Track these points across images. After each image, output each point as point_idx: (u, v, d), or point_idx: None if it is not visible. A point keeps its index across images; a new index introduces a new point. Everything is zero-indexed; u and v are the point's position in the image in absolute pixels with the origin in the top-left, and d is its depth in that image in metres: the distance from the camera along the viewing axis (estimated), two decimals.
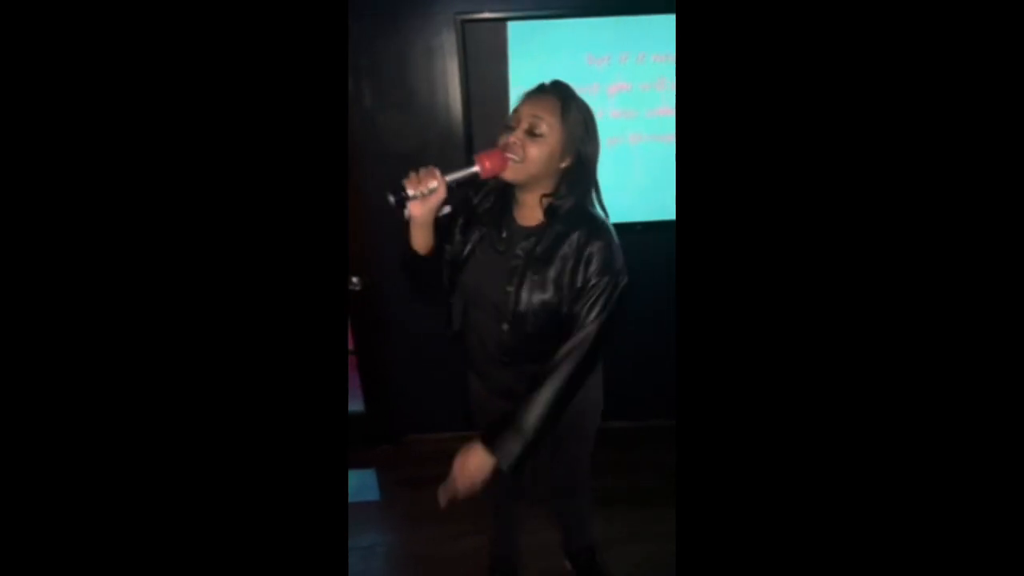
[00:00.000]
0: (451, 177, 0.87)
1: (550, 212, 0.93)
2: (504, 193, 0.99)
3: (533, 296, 0.93)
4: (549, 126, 0.87)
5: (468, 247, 1.00)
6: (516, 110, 0.90)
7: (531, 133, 0.87)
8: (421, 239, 0.92)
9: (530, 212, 0.96)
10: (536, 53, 1.46)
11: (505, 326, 0.96)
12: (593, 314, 0.91)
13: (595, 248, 0.90)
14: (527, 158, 0.88)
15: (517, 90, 1.47)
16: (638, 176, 1.62)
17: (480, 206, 1.02)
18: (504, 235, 0.98)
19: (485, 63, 1.49)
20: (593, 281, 0.90)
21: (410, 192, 0.85)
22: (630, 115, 1.54)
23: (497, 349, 1.01)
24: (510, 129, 0.89)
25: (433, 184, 0.85)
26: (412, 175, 0.86)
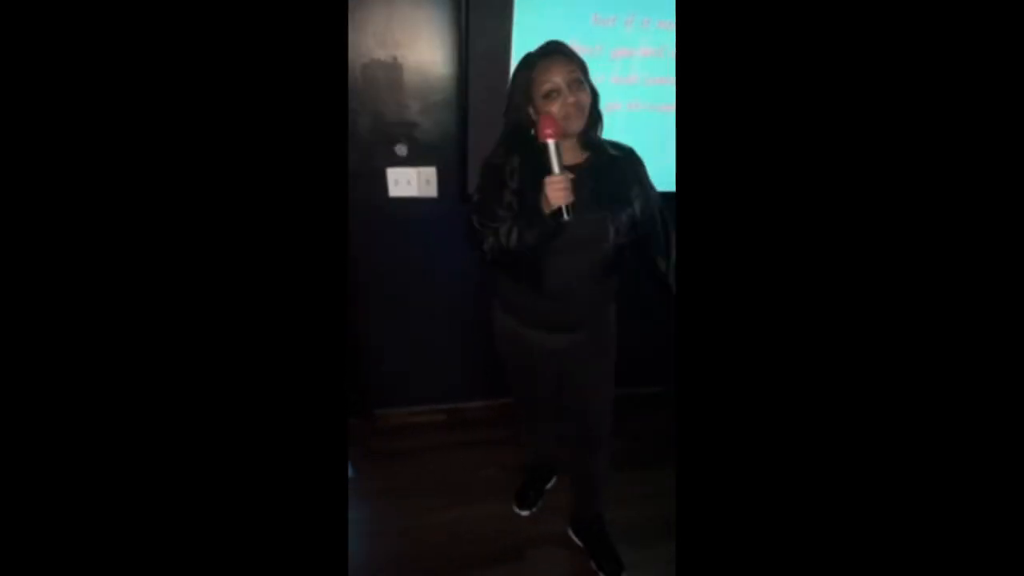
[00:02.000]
0: (558, 167, 0.94)
1: (592, 145, 1.08)
2: (533, 145, 1.01)
3: (621, 215, 1.07)
4: (581, 74, 1.00)
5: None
6: (545, 80, 0.97)
7: (575, 86, 0.98)
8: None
9: (571, 152, 1.06)
10: (542, 8, 1.38)
11: (605, 247, 1.07)
12: (662, 217, 1.12)
13: (639, 165, 1.12)
14: (583, 105, 0.99)
15: (520, 48, 1.41)
16: (635, 145, 1.59)
17: (510, 163, 1.06)
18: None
19: (487, 18, 1.39)
20: (652, 194, 1.12)
21: (565, 204, 0.93)
22: (631, 81, 1.51)
23: (592, 272, 1.11)
24: (551, 99, 0.97)
25: (571, 193, 0.93)
26: (552, 192, 0.93)
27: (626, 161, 1.11)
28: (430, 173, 1.61)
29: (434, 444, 1.90)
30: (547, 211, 0.95)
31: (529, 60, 1.01)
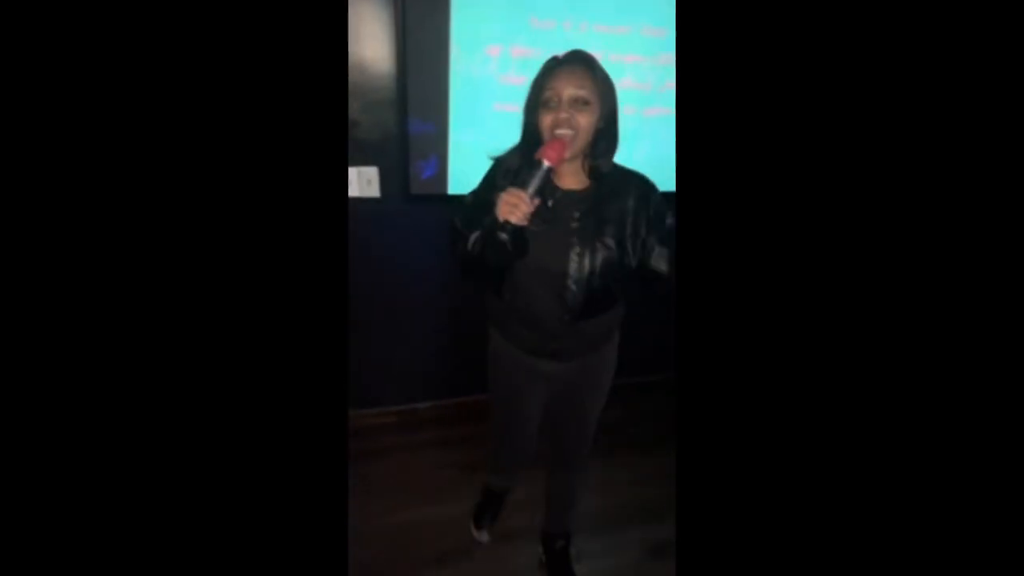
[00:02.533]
0: (533, 188, 0.86)
1: (596, 173, 0.98)
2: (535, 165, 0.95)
3: (598, 256, 0.97)
4: (591, 92, 0.90)
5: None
6: (548, 88, 0.91)
7: (578, 104, 0.90)
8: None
9: (572, 177, 0.99)
10: (479, 6, 1.38)
11: (573, 287, 0.98)
12: (665, 263, 1.01)
13: (658, 198, 1.00)
14: (580, 129, 0.90)
15: (458, 47, 1.40)
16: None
17: (511, 170, 0.99)
18: (550, 204, 0.98)
19: (425, 15, 1.38)
20: (667, 230, 1.00)
21: (514, 222, 0.85)
22: None
23: (560, 309, 1.02)
24: (548, 109, 0.91)
25: (527, 209, 0.85)
26: (508, 209, 0.85)
27: (638, 199, 0.98)
28: (371, 173, 1.58)
29: (385, 446, 1.88)
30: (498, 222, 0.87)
31: (548, 64, 0.94)
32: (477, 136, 1.55)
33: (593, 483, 1.61)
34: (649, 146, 1.64)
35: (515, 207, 0.84)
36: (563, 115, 0.89)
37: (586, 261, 0.97)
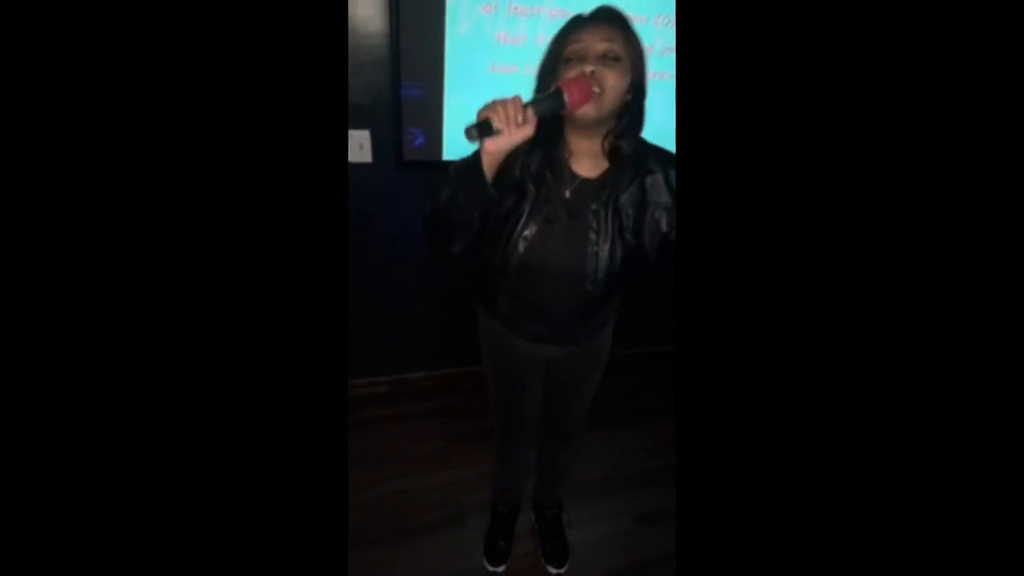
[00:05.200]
0: (535, 107, 0.75)
1: (618, 156, 0.86)
2: (550, 148, 0.87)
3: (618, 252, 0.88)
4: (623, 50, 0.80)
5: (522, 220, 0.87)
6: (574, 41, 0.80)
7: (607, 59, 0.78)
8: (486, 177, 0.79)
9: (591, 161, 0.88)
10: None
11: (590, 286, 0.90)
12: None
13: (675, 176, 0.88)
14: (607, 87, 0.78)
15: (454, 2, 1.35)
16: None
17: (517, 168, 0.87)
18: (568, 195, 0.88)
19: None
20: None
21: (496, 125, 0.72)
22: None
23: (574, 305, 0.94)
24: (574, 61, 0.79)
25: (516, 118, 0.73)
26: (496, 104, 0.73)
27: (659, 182, 0.87)
28: (363, 137, 1.54)
29: (377, 416, 1.88)
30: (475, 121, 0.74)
31: (572, 20, 0.83)
32: (473, 100, 1.50)
33: (582, 453, 1.61)
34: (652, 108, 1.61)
35: (504, 108, 0.72)
36: (589, 68, 0.77)
37: (605, 257, 0.88)
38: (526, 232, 0.88)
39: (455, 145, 1.56)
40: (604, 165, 0.88)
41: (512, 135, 0.74)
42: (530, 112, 0.74)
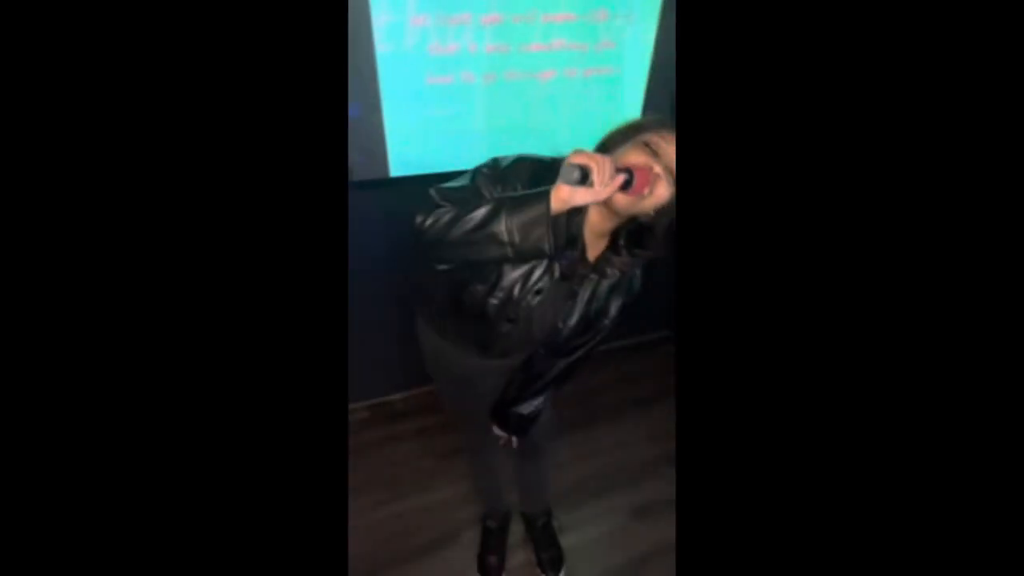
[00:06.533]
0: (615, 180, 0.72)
1: (605, 269, 0.90)
2: (570, 226, 0.83)
3: (601, 330, 0.99)
4: (676, 180, 0.76)
5: (536, 275, 0.89)
6: (661, 136, 0.76)
7: (669, 173, 0.75)
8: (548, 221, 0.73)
9: (592, 247, 0.90)
10: None
11: (542, 350, 1.01)
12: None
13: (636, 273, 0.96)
14: (655, 194, 0.76)
15: (380, 20, 1.32)
16: (493, 119, 1.58)
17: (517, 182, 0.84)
18: (577, 276, 0.91)
19: None
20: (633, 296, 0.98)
21: (593, 178, 0.69)
22: (503, 50, 1.47)
23: (527, 354, 1.04)
24: (645, 152, 0.76)
25: (610, 176, 0.70)
26: (597, 158, 0.69)
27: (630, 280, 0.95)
28: None
29: (363, 442, 1.84)
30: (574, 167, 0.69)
31: (657, 117, 0.82)
32: (413, 113, 1.48)
33: (560, 458, 1.61)
34: (593, 106, 1.60)
35: (604, 166, 0.69)
36: (657, 168, 0.75)
37: (572, 327, 0.96)
38: (539, 285, 0.89)
39: (401, 160, 1.54)
40: (599, 247, 0.90)
41: (597, 193, 0.70)
42: (620, 178, 0.71)
